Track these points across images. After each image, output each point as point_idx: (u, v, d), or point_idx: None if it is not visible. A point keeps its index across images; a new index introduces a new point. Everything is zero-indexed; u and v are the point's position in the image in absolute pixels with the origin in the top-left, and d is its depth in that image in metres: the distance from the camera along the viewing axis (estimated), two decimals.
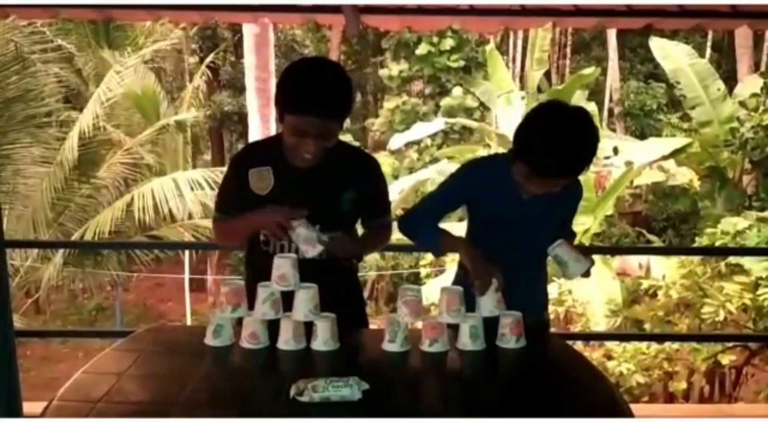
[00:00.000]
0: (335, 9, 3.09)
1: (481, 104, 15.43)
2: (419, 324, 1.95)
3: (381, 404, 1.59)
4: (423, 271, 12.25)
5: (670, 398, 7.67)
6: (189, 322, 11.64)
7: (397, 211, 13.02)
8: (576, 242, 2.40)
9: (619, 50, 18.22)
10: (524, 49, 17.83)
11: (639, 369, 7.30)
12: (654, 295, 7.94)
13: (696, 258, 7.79)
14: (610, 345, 7.74)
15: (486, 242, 2.15)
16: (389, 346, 1.91)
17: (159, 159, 11.02)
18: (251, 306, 1.95)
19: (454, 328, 1.94)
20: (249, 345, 1.90)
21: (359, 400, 1.55)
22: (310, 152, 1.96)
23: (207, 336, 1.93)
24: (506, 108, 12.73)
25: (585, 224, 9.77)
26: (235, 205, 2.11)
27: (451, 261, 9.64)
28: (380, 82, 17.97)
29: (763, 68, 15.41)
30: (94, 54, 11.87)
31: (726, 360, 7.14)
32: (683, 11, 3.12)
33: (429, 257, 11.50)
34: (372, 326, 2.44)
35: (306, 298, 1.89)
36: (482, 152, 11.91)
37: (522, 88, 15.46)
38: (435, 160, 14.22)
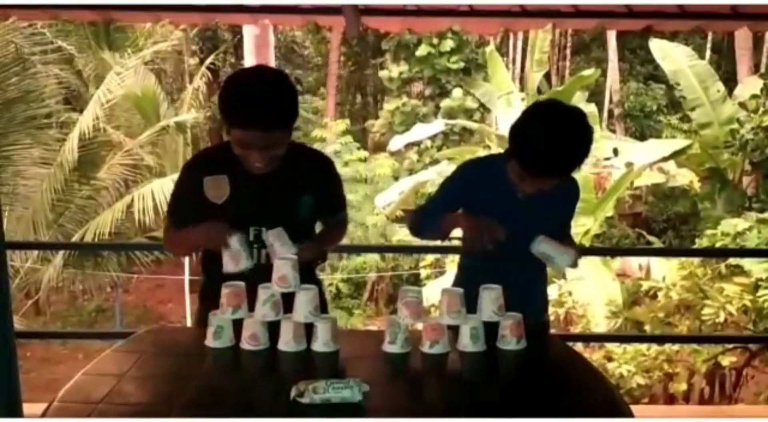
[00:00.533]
0: (335, 10, 3.09)
1: (481, 105, 15.43)
2: (420, 326, 1.94)
3: (381, 406, 1.59)
4: (423, 272, 12.24)
5: (671, 399, 7.67)
6: (189, 324, 11.63)
7: (397, 212, 13.04)
8: (576, 243, 2.40)
9: (619, 51, 18.22)
10: (524, 50, 17.82)
11: (639, 371, 7.30)
12: (654, 297, 7.94)
13: (696, 260, 7.80)
14: (611, 346, 7.74)
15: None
16: (390, 348, 1.91)
17: (159, 160, 11.01)
18: (207, 309, 1.97)
19: (454, 330, 1.94)
20: (249, 347, 1.89)
21: (360, 402, 1.55)
22: (258, 162, 1.97)
23: (207, 338, 1.93)
24: (506, 109, 12.72)
25: (585, 225, 9.77)
26: (189, 212, 2.09)
27: (451, 262, 9.64)
28: (380, 83, 17.98)
29: (762, 69, 15.41)
30: (94, 55, 11.86)
31: (726, 361, 7.15)
32: (683, 13, 3.12)
33: (429, 258, 11.50)
34: (372, 327, 2.44)
35: (306, 300, 1.89)
36: (482, 153, 11.91)
37: (522, 89, 15.46)
38: (435, 162, 14.23)
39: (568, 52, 20.78)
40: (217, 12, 3.31)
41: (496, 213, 2.14)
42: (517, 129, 2.03)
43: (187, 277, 11.91)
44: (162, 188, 9.61)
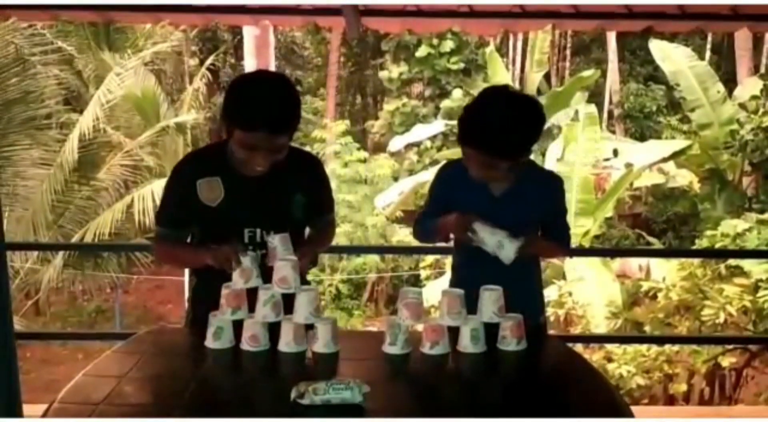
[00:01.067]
0: (335, 11, 3.08)
1: None
2: (420, 327, 1.94)
3: (382, 407, 1.59)
4: (423, 273, 12.23)
5: (671, 400, 7.67)
6: (186, 325, 11.60)
7: (396, 212, 13.05)
8: (575, 243, 2.40)
9: (618, 52, 18.23)
10: (524, 51, 17.84)
11: (639, 372, 7.30)
12: (654, 297, 7.94)
13: (696, 261, 7.80)
14: (611, 347, 7.74)
15: (469, 246, 2.16)
16: (390, 349, 1.91)
17: (159, 161, 11.00)
18: (203, 313, 1.97)
19: (454, 331, 1.94)
20: (249, 348, 1.89)
21: (360, 403, 1.55)
22: (261, 165, 1.97)
23: (207, 339, 1.92)
24: None
25: (585, 226, 9.78)
26: (180, 217, 2.08)
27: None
28: (380, 84, 18.00)
29: (762, 70, 15.41)
30: (94, 56, 11.86)
31: (726, 362, 7.15)
32: (683, 14, 3.11)
33: (429, 259, 11.50)
34: (372, 328, 2.44)
35: (306, 301, 1.89)
36: None
37: (522, 90, 15.46)
38: (435, 162, 14.24)
39: (567, 52, 20.80)
40: (217, 13, 3.31)
41: (472, 211, 2.14)
42: (464, 111, 2.06)
43: (186, 278, 11.90)
44: (162, 189, 9.59)
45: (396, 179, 14.13)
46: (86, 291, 11.59)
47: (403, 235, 12.37)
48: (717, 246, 8.19)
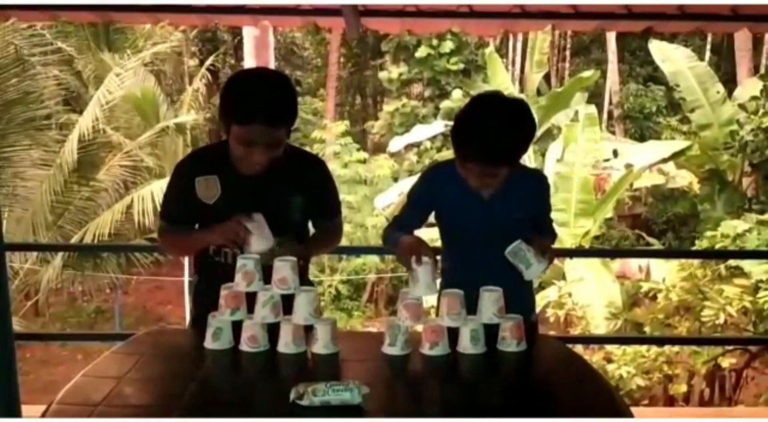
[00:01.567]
0: (335, 12, 3.08)
1: None
2: (419, 328, 1.94)
3: (381, 408, 1.59)
4: None
5: (670, 401, 7.67)
6: (188, 325, 11.62)
7: (396, 213, 13.03)
8: (575, 244, 2.40)
9: (618, 53, 18.24)
10: (524, 51, 17.84)
11: (639, 372, 7.29)
12: (654, 298, 7.93)
13: (696, 261, 7.79)
14: (610, 348, 7.74)
15: (459, 249, 2.16)
16: (389, 349, 1.91)
17: (159, 161, 11.01)
18: (204, 312, 1.97)
19: (454, 332, 1.94)
20: (249, 349, 1.89)
21: (359, 404, 1.55)
22: (259, 161, 1.97)
23: (206, 340, 1.92)
24: None
25: (585, 227, 9.78)
26: (181, 212, 2.11)
27: None
28: (380, 84, 18.00)
29: (762, 71, 15.42)
30: (93, 56, 11.86)
31: (726, 363, 7.14)
32: (683, 14, 3.11)
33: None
34: (372, 329, 2.44)
35: (306, 301, 1.88)
36: None
37: (521, 90, 15.47)
38: (434, 163, 14.22)
39: (567, 53, 20.82)
40: (216, 13, 3.31)
41: (461, 214, 2.15)
42: (457, 118, 2.05)
43: (186, 279, 11.91)
44: (161, 189, 9.52)
45: (396, 180, 14.13)
46: (86, 292, 11.60)
47: None
48: (717, 246, 8.19)
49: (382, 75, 16.98)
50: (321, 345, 1.88)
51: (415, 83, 16.80)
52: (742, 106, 11.17)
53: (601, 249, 10.77)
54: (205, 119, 14.72)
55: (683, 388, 7.52)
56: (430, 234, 2.32)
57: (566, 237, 9.44)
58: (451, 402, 1.71)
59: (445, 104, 15.58)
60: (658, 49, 11.98)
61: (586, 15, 3.21)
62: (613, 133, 16.81)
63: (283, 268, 1.90)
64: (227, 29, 17.82)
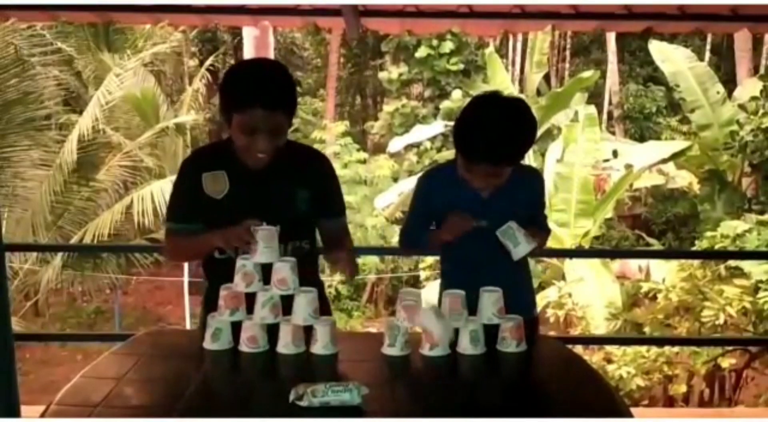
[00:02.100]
0: (335, 12, 3.08)
1: None
2: (419, 328, 1.94)
3: (381, 409, 1.58)
4: (422, 274, 12.24)
5: (670, 401, 7.66)
6: (188, 326, 11.62)
7: (396, 214, 13.04)
8: (575, 244, 2.41)
9: (618, 53, 18.25)
10: (524, 52, 17.85)
11: (639, 373, 7.29)
12: (654, 298, 7.93)
13: (696, 262, 7.79)
14: (610, 348, 7.73)
15: (459, 249, 2.16)
16: (389, 350, 1.91)
17: (158, 162, 11.01)
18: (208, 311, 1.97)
19: (454, 332, 1.93)
20: (248, 349, 1.89)
21: (359, 405, 1.55)
22: (261, 149, 1.96)
23: (206, 340, 1.92)
24: None
25: (585, 227, 9.78)
26: (189, 210, 2.09)
27: None
28: (380, 85, 18.00)
29: (762, 71, 15.43)
30: (93, 57, 11.86)
31: (726, 363, 7.13)
32: (683, 14, 3.11)
33: (429, 260, 11.51)
34: (371, 329, 2.44)
35: (305, 302, 1.88)
36: None
37: (521, 91, 15.47)
38: (435, 163, 14.22)
39: (567, 53, 20.83)
40: (216, 13, 3.31)
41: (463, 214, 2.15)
42: (459, 120, 2.07)
43: (186, 279, 11.90)
44: (161, 190, 9.60)
45: (396, 180, 14.13)
46: (85, 292, 11.59)
47: None
48: (717, 247, 8.19)
49: (382, 75, 16.98)
50: (320, 346, 1.87)
51: (415, 83, 16.80)
52: (742, 107, 11.17)
53: (600, 250, 10.77)
54: (205, 119, 14.74)
55: (683, 389, 7.51)
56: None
57: (566, 237, 9.44)
58: (451, 402, 1.70)
59: (445, 104, 15.59)
60: (658, 49, 11.99)
61: (586, 15, 3.21)
62: (613, 133, 16.82)
63: (283, 269, 1.90)
64: (227, 29, 17.83)
